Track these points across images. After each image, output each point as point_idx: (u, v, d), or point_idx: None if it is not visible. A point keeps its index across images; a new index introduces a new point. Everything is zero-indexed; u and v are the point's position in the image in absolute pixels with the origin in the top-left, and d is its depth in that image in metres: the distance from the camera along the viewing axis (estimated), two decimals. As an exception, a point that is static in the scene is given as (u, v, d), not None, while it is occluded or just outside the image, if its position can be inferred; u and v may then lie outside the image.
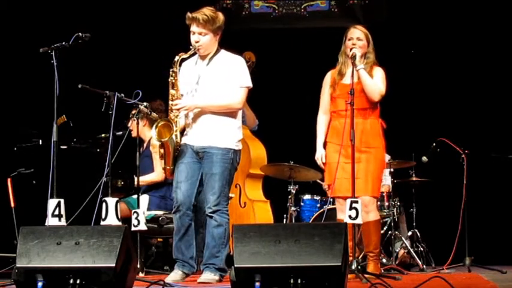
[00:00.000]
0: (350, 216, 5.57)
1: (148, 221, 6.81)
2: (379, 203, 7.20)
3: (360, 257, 6.41)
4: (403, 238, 7.71)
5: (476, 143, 7.70)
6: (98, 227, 4.81)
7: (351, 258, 5.39)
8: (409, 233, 7.90)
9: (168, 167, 5.77)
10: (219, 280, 5.63)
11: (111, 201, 5.87)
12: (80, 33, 5.71)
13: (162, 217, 7.00)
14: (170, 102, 5.74)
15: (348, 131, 5.76)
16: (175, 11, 6.21)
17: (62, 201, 5.42)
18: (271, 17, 9.67)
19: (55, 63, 5.55)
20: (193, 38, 5.70)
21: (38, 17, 8.69)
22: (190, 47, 5.71)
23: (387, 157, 7.39)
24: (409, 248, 7.66)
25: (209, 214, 5.66)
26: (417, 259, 7.60)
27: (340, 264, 4.19)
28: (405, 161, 7.91)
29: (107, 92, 6.08)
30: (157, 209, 7.11)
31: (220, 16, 5.74)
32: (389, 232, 7.61)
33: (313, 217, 7.76)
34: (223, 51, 5.80)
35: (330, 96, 6.09)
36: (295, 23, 9.62)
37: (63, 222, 5.41)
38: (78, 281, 4.29)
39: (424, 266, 7.55)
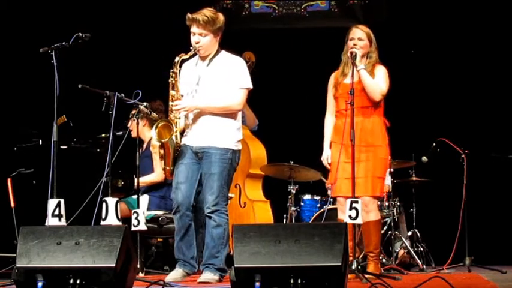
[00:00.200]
0: (350, 216, 5.57)
1: (148, 221, 6.81)
2: (379, 203, 7.19)
3: (360, 257, 6.42)
4: (403, 238, 7.71)
5: (476, 143, 7.69)
6: (98, 227, 4.81)
7: (350, 258, 5.39)
8: (409, 233, 7.89)
9: (168, 168, 5.78)
10: (219, 280, 5.63)
11: (111, 201, 5.87)
12: (80, 33, 5.71)
13: (162, 217, 7.01)
14: (170, 103, 5.74)
15: (347, 130, 5.77)
16: (175, 11, 6.22)
17: (62, 201, 5.42)
18: (271, 17, 9.67)
19: (55, 63, 5.55)
20: (193, 39, 5.70)
21: (38, 17, 8.69)
22: (191, 47, 5.71)
23: (387, 157, 7.39)
24: (409, 248, 7.65)
25: (208, 214, 5.66)
26: (417, 259, 7.59)
27: (340, 264, 4.19)
28: (405, 161, 7.91)
29: (107, 92, 6.08)
30: (157, 209, 7.11)
31: (221, 17, 5.74)
32: (389, 232, 7.60)
33: (313, 217, 7.75)
34: (223, 52, 5.80)
35: (333, 97, 6.10)
36: (295, 23, 9.62)
37: (63, 222, 5.41)
38: (78, 281, 4.29)
39: (424, 266, 7.54)
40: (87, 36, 5.74)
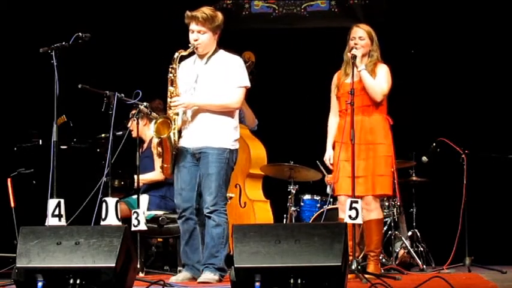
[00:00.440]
0: (350, 216, 5.57)
1: (148, 221, 6.81)
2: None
3: (360, 257, 6.42)
4: (403, 238, 7.70)
5: (476, 143, 7.69)
6: (98, 227, 4.82)
7: (350, 258, 5.39)
8: (409, 233, 7.88)
9: (165, 165, 5.77)
10: (219, 280, 5.63)
11: (111, 201, 5.87)
12: (80, 33, 5.71)
13: (162, 217, 7.00)
14: (169, 100, 5.74)
15: (347, 130, 5.77)
16: (175, 11, 6.21)
17: (62, 201, 5.42)
18: (271, 17, 9.67)
19: (55, 63, 5.55)
20: (192, 37, 5.71)
21: (38, 17, 8.68)
22: (189, 45, 5.72)
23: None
24: (409, 248, 7.65)
25: (207, 214, 5.66)
26: (417, 259, 7.59)
27: (340, 264, 4.19)
28: (405, 161, 7.89)
29: (107, 92, 6.08)
30: (157, 209, 7.10)
31: (220, 15, 5.75)
32: (390, 232, 7.60)
33: (313, 217, 7.75)
34: (221, 51, 5.80)
35: (336, 97, 6.10)
36: (295, 23, 9.62)
37: (63, 222, 5.41)
38: (78, 281, 4.29)
39: (424, 266, 7.53)
40: (87, 36, 5.74)
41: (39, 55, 5.59)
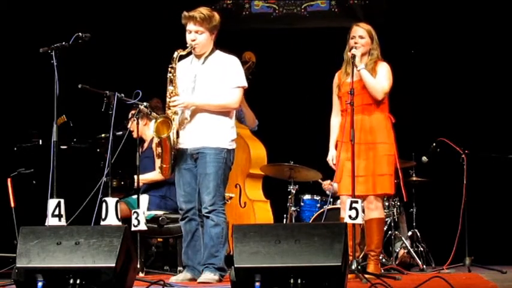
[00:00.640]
0: (350, 216, 5.57)
1: (148, 221, 6.80)
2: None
3: (360, 257, 6.42)
4: (403, 238, 7.71)
5: (476, 143, 7.69)
6: (98, 227, 4.81)
7: (350, 258, 5.39)
8: (409, 233, 7.89)
9: (164, 165, 5.76)
10: (219, 280, 5.63)
11: (111, 201, 5.87)
12: (80, 33, 5.71)
13: (162, 217, 7.00)
14: (168, 99, 5.74)
15: (347, 129, 5.77)
16: (174, 11, 6.21)
17: (62, 201, 5.42)
18: (272, 17, 9.67)
19: (55, 63, 5.55)
20: (189, 37, 5.72)
21: (38, 17, 8.68)
22: (187, 45, 5.72)
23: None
24: (409, 248, 7.65)
25: (206, 214, 5.67)
26: (417, 259, 7.59)
27: (340, 264, 4.19)
28: (405, 161, 7.89)
29: (107, 92, 6.08)
30: (157, 209, 7.10)
31: (217, 16, 5.76)
32: (390, 232, 7.60)
33: (313, 217, 7.76)
34: (218, 52, 5.81)
35: (337, 96, 6.10)
36: (295, 23, 9.62)
37: (63, 222, 5.41)
38: (78, 281, 4.29)
39: (424, 266, 7.54)
40: (87, 36, 5.74)
41: (39, 55, 5.59)
